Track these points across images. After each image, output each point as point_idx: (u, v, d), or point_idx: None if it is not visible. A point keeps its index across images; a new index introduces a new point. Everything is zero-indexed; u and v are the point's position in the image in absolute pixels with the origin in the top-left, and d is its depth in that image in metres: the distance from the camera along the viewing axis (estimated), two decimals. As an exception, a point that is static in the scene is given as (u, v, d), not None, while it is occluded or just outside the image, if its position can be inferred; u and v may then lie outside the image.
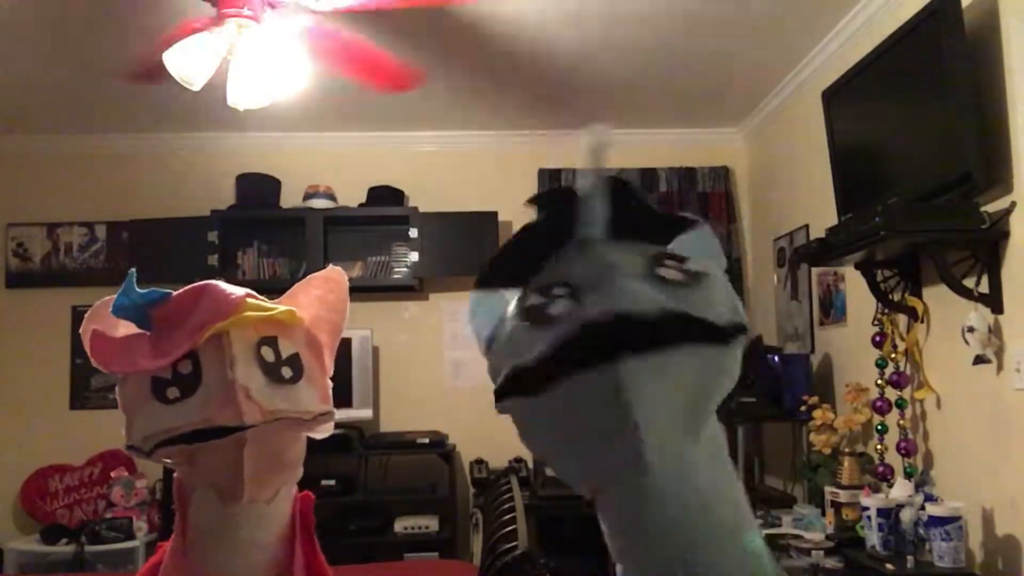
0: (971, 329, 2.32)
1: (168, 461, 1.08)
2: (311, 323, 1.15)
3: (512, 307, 0.80)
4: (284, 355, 1.06)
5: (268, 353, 1.04)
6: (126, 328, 1.07)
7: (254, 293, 1.09)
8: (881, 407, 2.76)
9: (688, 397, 0.71)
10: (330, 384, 1.15)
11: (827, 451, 3.00)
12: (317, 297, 1.18)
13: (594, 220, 0.78)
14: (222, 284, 1.08)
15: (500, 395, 0.79)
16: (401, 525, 3.87)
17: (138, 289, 1.04)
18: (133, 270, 1.05)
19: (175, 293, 1.05)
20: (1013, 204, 2.25)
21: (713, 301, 0.75)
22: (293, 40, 2.62)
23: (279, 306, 1.09)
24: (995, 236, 2.29)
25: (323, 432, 1.11)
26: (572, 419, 0.72)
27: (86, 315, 1.09)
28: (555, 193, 0.81)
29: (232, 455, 0.99)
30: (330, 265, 1.21)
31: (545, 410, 0.74)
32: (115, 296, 1.04)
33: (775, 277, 4.13)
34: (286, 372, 1.05)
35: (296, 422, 1.04)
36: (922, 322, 2.70)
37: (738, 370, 0.76)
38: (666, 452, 0.68)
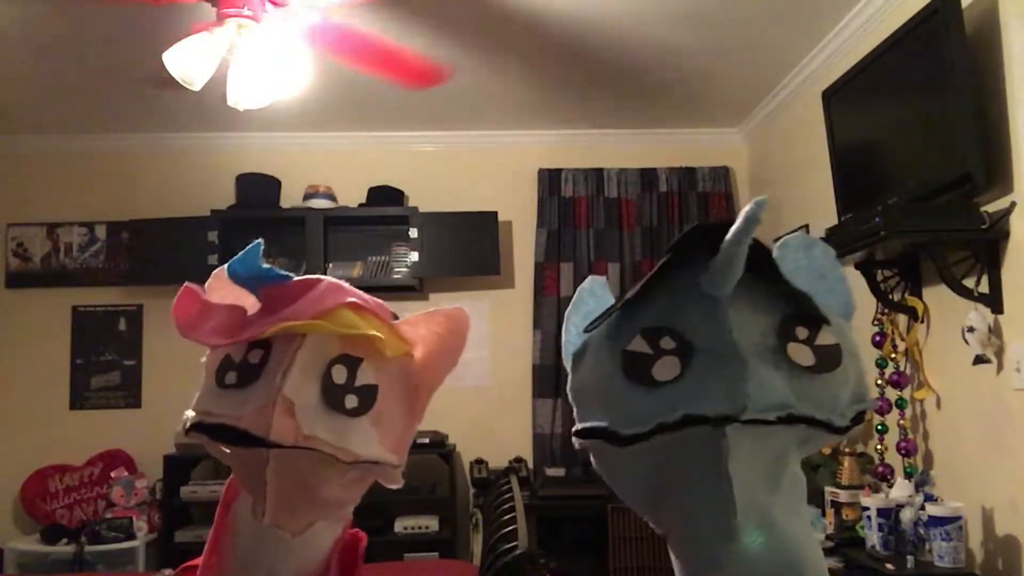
0: (971, 329, 2.32)
1: (215, 448, 0.96)
2: (421, 360, 1.00)
3: (606, 333, 0.78)
4: (358, 382, 0.91)
5: (340, 374, 0.90)
6: (246, 298, 0.98)
7: (382, 305, 0.98)
8: (881, 407, 2.76)
9: (778, 455, 0.71)
10: (410, 433, 1.01)
11: (827, 451, 3.00)
12: (437, 335, 1.02)
13: (726, 280, 0.71)
14: (347, 286, 0.96)
15: (585, 435, 0.77)
16: (401, 525, 3.87)
17: (262, 264, 0.94)
18: (259, 242, 0.95)
19: (294, 279, 0.95)
20: (1013, 204, 2.25)
21: (839, 388, 0.73)
22: (294, 40, 2.62)
23: (370, 330, 0.93)
24: (995, 236, 2.29)
25: (388, 482, 0.96)
26: (662, 470, 0.72)
27: (214, 272, 1.00)
28: (698, 233, 0.75)
29: (257, 469, 0.88)
30: (459, 306, 1.03)
31: (634, 459, 0.73)
32: (230, 262, 0.95)
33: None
34: (349, 401, 0.90)
35: (331, 459, 0.88)
36: (922, 322, 2.70)
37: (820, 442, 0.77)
38: (751, 512, 0.68)
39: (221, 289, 0.98)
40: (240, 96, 2.54)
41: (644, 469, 0.73)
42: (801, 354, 0.72)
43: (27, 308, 4.40)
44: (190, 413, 0.93)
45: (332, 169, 4.49)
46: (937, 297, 2.61)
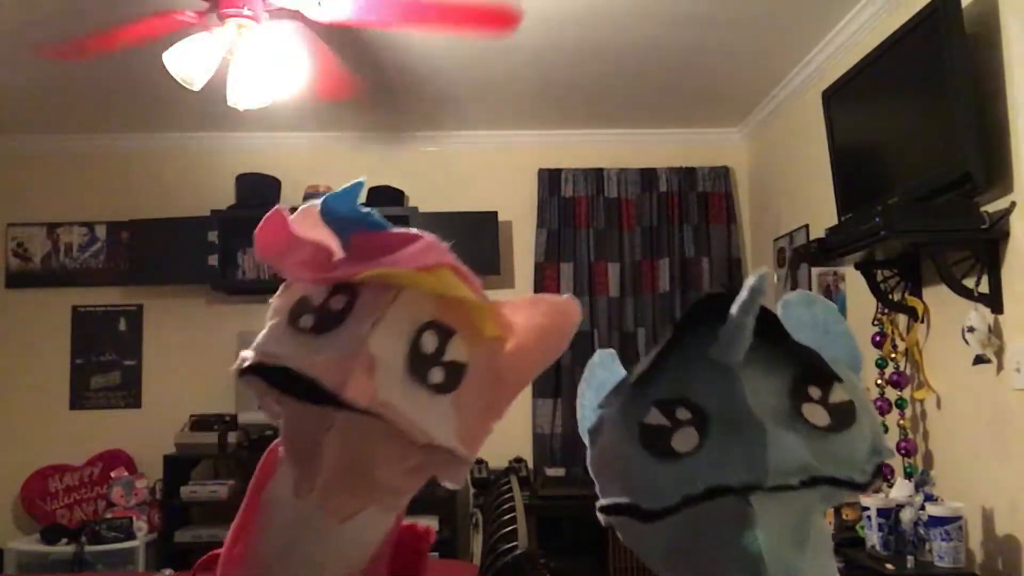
0: (971, 329, 2.32)
1: (257, 397, 0.83)
2: (513, 352, 0.85)
3: (620, 407, 0.78)
4: (448, 357, 0.79)
5: (430, 341, 0.78)
6: (330, 241, 0.86)
7: (475, 281, 0.84)
8: (881, 407, 2.76)
9: (804, 515, 0.72)
10: (485, 431, 0.87)
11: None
12: (539, 327, 0.87)
13: (736, 349, 0.71)
14: (448, 249, 0.84)
15: (610, 511, 0.77)
16: (401, 525, 3.86)
17: (361, 207, 0.83)
18: (363, 180, 0.84)
19: (393, 229, 0.84)
20: (1013, 204, 2.25)
21: (856, 444, 0.73)
22: (294, 40, 2.62)
23: (475, 297, 0.82)
24: (995, 236, 2.29)
25: (451, 479, 0.82)
26: (689, 538, 0.72)
27: (301, 207, 0.87)
28: (705, 303, 0.75)
29: (314, 433, 0.77)
30: (568, 295, 0.89)
31: (659, 531, 0.73)
32: (328, 196, 0.83)
33: (775, 277, 4.13)
34: (435, 375, 0.78)
35: (401, 435, 0.75)
36: (922, 322, 2.70)
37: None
38: (780, 574, 0.68)
39: (308, 226, 0.86)
40: (240, 96, 2.54)
41: (670, 538, 0.73)
42: (816, 414, 0.73)
43: (27, 308, 4.40)
44: (247, 353, 0.79)
45: (332, 169, 4.49)
46: (937, 297, 2.61)
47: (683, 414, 0.73)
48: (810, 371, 0.75)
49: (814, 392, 0.74)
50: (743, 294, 0.69)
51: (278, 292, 0.85)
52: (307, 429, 0.78)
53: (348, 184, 0.82)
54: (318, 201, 0.84)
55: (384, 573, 0.88)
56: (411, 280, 0.78)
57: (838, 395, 0.74)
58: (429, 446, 0.77)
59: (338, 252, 0.84)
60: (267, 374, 0.77)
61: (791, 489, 0.68)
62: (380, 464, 0.79)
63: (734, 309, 0.69)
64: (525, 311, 0.87)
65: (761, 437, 0.68)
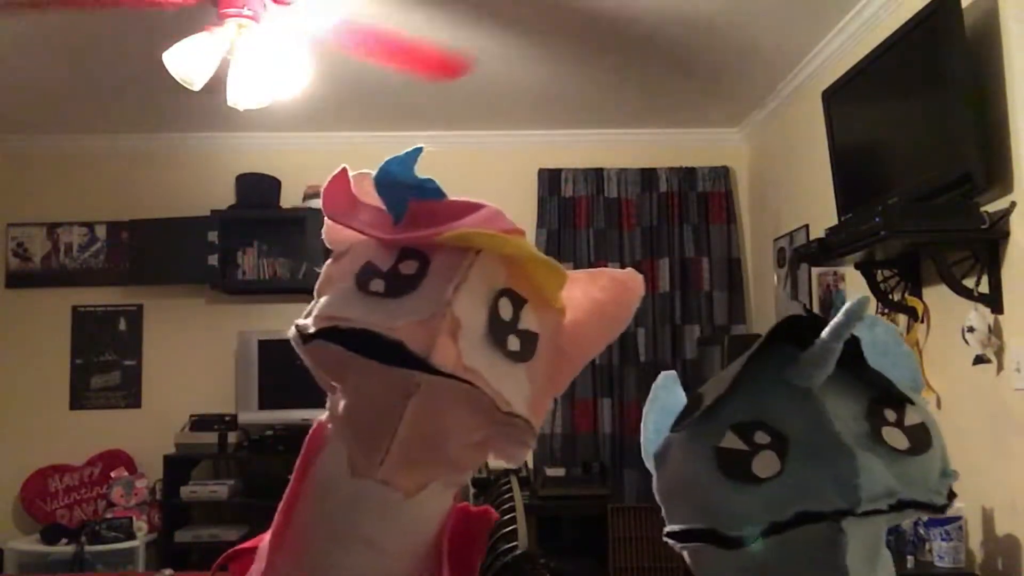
0: (971, 329, 2.32)
1: (318, 366, 0.79)
2: (571, 326, 0.84)
3: (691, 430, 0.77)
4: (522, 325, 0.77)
5: (506, 309, 0.76)
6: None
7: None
8: (881, 407, 2.76)
9: (878, 537, 0.73)
10: (547, 402, 0.83)
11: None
12: (597, 302, 0.85)
13: (820, 372, 0.72)
14: (501, 214, 0.82)
15: (684, 538, 0.76)
16: (401, 525, 3.86)
17: (417, 174, 0.80)
18: (421, 147, 0.82)
19: (452, 198, 0.82)
20: (1013, 204, 2.25)
21: (931, 467, 0.74)
22: (295, 39, 2.62)
23: (558, 265, 0.80)
24: (995, 236, 2.29)
25: (513, 455, 0.78)
26: (771, 566, 0.71)
27: (354, 176, 0.87)
28: (787, 325, 0.76)
29: (389, 398, 0.71)
30: (630, 269, 0.87)
31: (740, 559, 0.71)
32: (386, 161, 0.80)
33: (775, 277, 4.13)
34: (512, 343, 0.75)
35: (482, 405, 0.72)
36: (922, 322, 2.70)
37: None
38: None
39: (363, 193, 0.84)
40: (240, 96, 2.54)
41: (753, 564, 0.72)
42: (896, 438, 0.73)
43: (27, 308, 4.40)
44: (308, 320, 0.75)
45: (332, 169, 4.41)
46: (937, 297, 2.61)
47: (762, 438, 0.71)
48: (883, 395, 0.75)
49: (890, 415, 0.74)
50: (840, 318, 0.69)
51: (330, 260, 0.82)
52: (382, 398, 0.72)
53: (408, 149, 0.79)
54: (374, 171, 0.82)
55: (443, 554, 0.83)
56: (495, 243, 0.75)
57: (912, 417, 0.75)
58: (505, 416, 0.73)
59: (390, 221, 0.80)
60: (342, 337, 0.72)
61: (881, 513, 0.68)
62: (457, 434, 0.75)
63: (827, 333, 0.69)
64: (583, 285, 0.85)
65: (851, 462, 0.68)
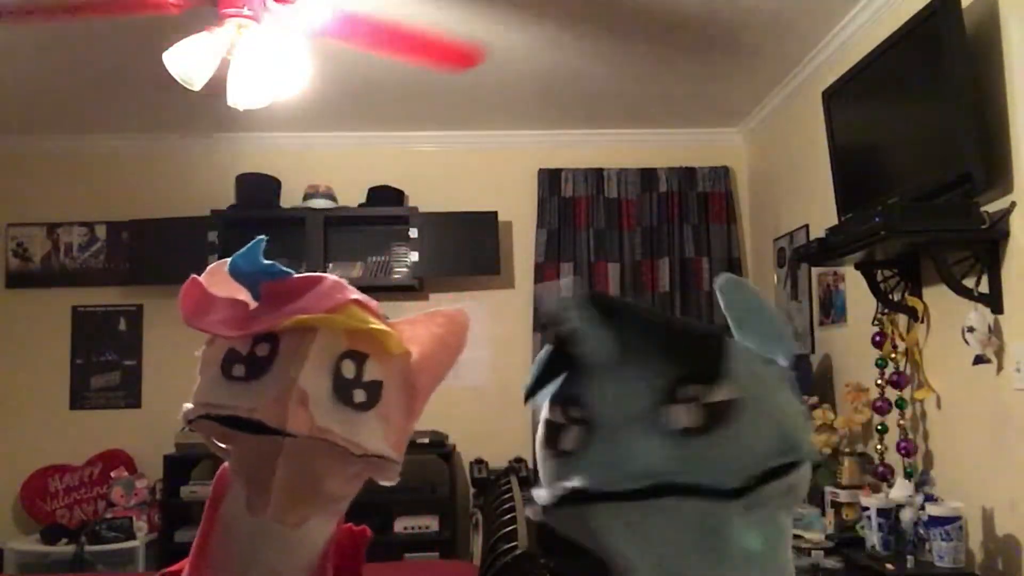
0: (971, 329, 2.32)
1: (211, 439, 0.99)
2: (418, 361, 1.01)
3: (547, 403, 0.79)
4: (366, 378, 0.93)
5: (348, 368, 0.92)
6: (240, 293, 0.99)
7: (376, 308, 0.99)
8: (881, 407, 2.76)
9: (709, 526, 0.69)
10: (407, 433, 1.02)
11: (827, 451, 3.00)
12: (437, 336, 1.03)
13: (592, 349, 0.70)
14: (348, 285, 0.98)
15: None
16: (401, 525, 3.87)
17: (263, 260, 0.96)
18: (263, 238, 0.97)
19: (296, 275, 0.98)
20: (1013, 204, 2.25)
21: (731, 447, 0.68)
22: (297, 38, 2.62)
23: (380, 325, 0.95)
24: (995, 236, 2.29)
25: (386, 478, 0.98)
26: (588, 536, 0.73)
27: (208, 267, 1.01)
28: (549, 319, 0.75)
29: (266, 459, 0.90)
30: (460, 307, 1.06)
31: (555, 524, 0.75)
32: (234, 256, 0.96)
33: (775, 277, 4.13)
34: (358, 396, 0.92)
35: (342, 452, 0.90)
36: (922, 322, 2.70)
37: (801, 490, 0.73)
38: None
39: (218, 283, 0.99)
40: (240, 96, 2.54)
41: (583, 534, 0.74)
42: (683, 416, 0.68)
43: (27, 308, 4.40)
44: (190, 405, 0.94)
45: (332, 169, 4.49)
46: (937, 297, 2.61)
47: (575, 413, 0.72)
48: (696, 369, 0.71)
49: (694, 391, 0.69)
50: (557, 311, 0.71)
51: (205, 344, 0.98)
52: (257, 456, 0.92)
53: (250, 243, 0.95)
54: (226, 261, 0.98)
55: (330, 570, 1.00)
56: (324, 322, 0.91)
57: (720, 394, 0.69)
58: (364, 456, 0.91)
59: (252, 303, 0.97)
60: (217, 421, 0.92)
61: (643, 497, 0.66)
62: (327, 477, 0.94)
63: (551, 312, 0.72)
64: (423, 325, 1.03)
65: (615, 442, 0.67)
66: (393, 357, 0.96)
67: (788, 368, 0.72)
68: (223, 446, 0.97)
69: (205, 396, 0.93)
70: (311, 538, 0.98)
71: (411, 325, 1.02)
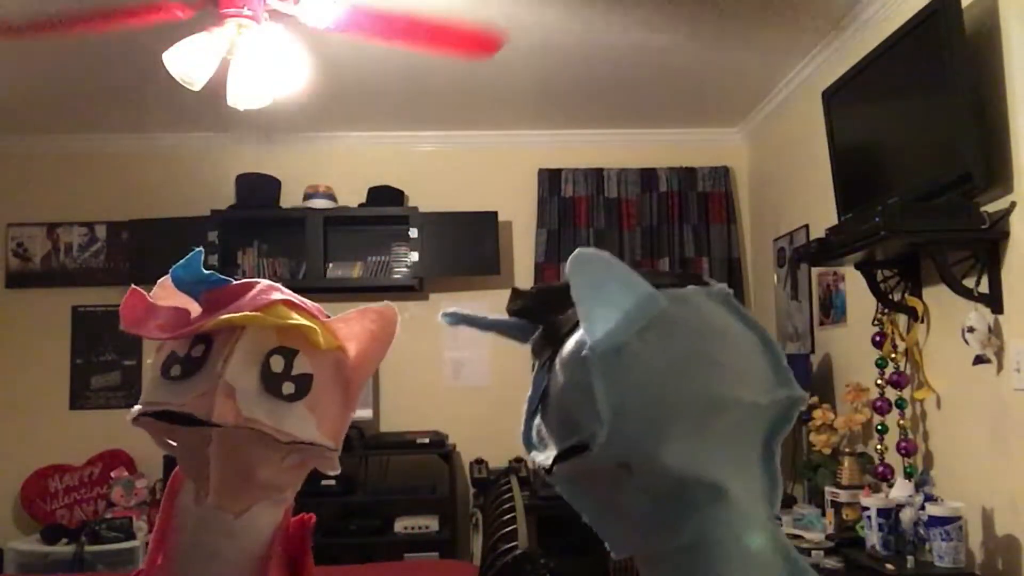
0: (971, 329, 2.32)
1: (158, 437, 1.07)
2: (353, 355, 1.08)
3: None
4: (295, 371, 1.00)
5: (277, 363, 0.99)
6: (189, 304, 1.06)
7: (318, 307, 1.07)
8: (881, 407, 2.76)
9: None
10: (345, 422, 1.08)
11: (827, 451, 3.00)
12: (370, 332, 1.10)
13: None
14: (282, 288, 1.05)
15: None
16: (401, 525, 3.87)
17: (203, 270, 1.03)
18: (200, 249, 1.04)
19: (233, 282, 1.05)
20: (1013, 204, 2.25)
21: (547, 429, 0.75)
22: (295, 39, 2.62)
23: (305, 321, 1.02)
24: (995, 236, 2.29)
25: (327, 467, 1.05)
26: None
27: (160, 281, 1.08)
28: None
29: (200, 450, 0.97)
30: (386, 302, 1.13)
31: None
32: (173, 268, 1.04)
33: (775, 277, 4.13)
34: (287, 388, 0.99)
35: (271, 440, 0.96)
36: (922, 322, 2.70)
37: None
38: None
39: (167, 297, 1.07)
40: (240, 96, 2.54)
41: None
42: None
43: (27, 308, 4.40)
44: (137, 406, 1.02)
45: (332, 169, 4.49)
46: (937, 297, 2.61)
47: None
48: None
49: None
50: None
51: (155, 352, 1.06)
52: (194, 447, 0.99)
53: (189, 255, 1.03)
54: (168, 274, 1.06)
55: (279, 557, 1.06)
56: (248, 320, 0.98)
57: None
58: (296, 444, 0.98)
59: (196, 309, 1.05)
60: (151, 416, 1.00)
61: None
62: (260, 465, 1.00)
63: None
64: (357, 322, 1.09)
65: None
66: (324, 352, 1.03)
67: (597, 348, 0.65)
68: (171, 442, 1.05)
69: (146, 396, 1.01)
70: (256, 526, 1.03)
71: (346, 323, 1.09)
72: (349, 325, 1.09)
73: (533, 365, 0.77)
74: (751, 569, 0.65)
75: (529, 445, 0.76)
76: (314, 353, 1.02)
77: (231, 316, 0.97)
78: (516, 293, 0.78)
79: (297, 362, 1.00)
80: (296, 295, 1.06)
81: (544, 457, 0.72)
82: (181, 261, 1.04)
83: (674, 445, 0.64)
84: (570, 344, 0.69)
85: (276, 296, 1.02)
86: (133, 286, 1.06)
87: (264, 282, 1.05)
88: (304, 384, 1.00)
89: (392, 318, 1.11)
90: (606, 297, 0.65)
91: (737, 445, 0.68)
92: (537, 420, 0.74)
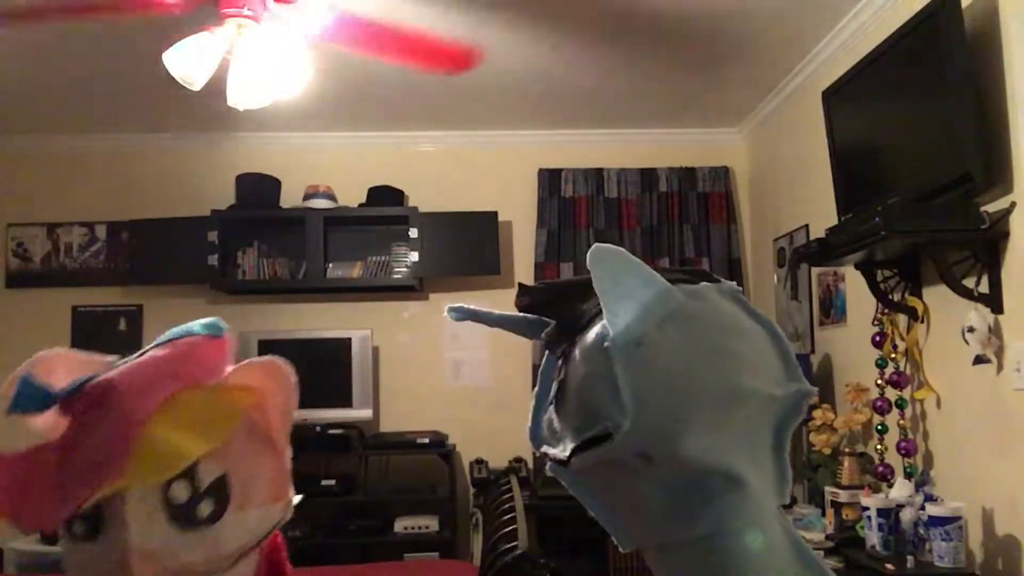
0: (971, 329, 2.32)
1: None
2: (260, 397, 0.93)
3: None
4: (204, 484, 0.86)
5: (180, 491, 0.85)
6: (88, 367, 0.93)
7: (213, 356, 0.93)
8: (881, 407, 2.76)
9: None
10: (285, 464, 0.96)
11: (827, 451, 3.00)
12: (261, 367, 0.96)
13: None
14: (147, 359, 0.91)
15: None
16: (401, 525, 3.87)
17: (39, 390, 0.92)
18: (27, 374, 0.93)
19: (86, 385, 0.90)
20: (1013, 204, 2.25)
21: (562, 423, 0.73)
22: (296, 39, 2.62)
23: (191, 448, 0.85)
24: (995, 236, 2.29)
25: (281, 522, 0.96)
26: None
27: (37, 358, 0.96)
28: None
29: None
30: (271, 358, 0.97)
31: None
32: (10, 400, 0.90)
33: (775, 277, 4.13)
34: (204, 509, 0.85)
35: (215, 566, 0.87)
36: (922, 322, 2.70)
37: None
38: None
39: (57, 372, 0.96)
40: (240, 96, 2.54)
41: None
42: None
43: (27, 308, 4.40)
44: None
45: (332, 169, 4.49)
46: (937, 297, 2.61)
47: None
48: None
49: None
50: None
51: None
52: None
53: (16, 389, 0.91)
54: (58, 350, 0.97)
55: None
56: (130, 483, 0.82)
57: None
58: (243, 554, 0.89)
59: (56, 425, 0.90)
60: None
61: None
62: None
63: None
64: (247, 365, 0.94)
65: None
66: (224, 439, 0.88)
67: (619, 339, 0.66)
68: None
69: (66, 561, 0.89)
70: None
71: (239, 371, 0.94)
72: (242, 372, 0.94)
73: (540, 360, 0.77)
74: (766, 558, 0.66)
75: (538, 440, 0.75)
76: (216, 450, 0.87)
77: (101, 493, 0.81)
78: (524, 289, 0.78)
79: (201, 472, 0.86)
80: (166, 350, 0.92)
81: (560, 450, 0.71)
82: (15, 394, 0.90)
83: (695, 436, 0.65)
84: (590, 336, 0.70)
85: (145, 408, 0.85)
86: None
87: (120, 380, 0.90)
88: (221, 491, 0.87)
89: (284, 366, 0.95)
90: (626, 290, 0.67)
91: (752, 436, 0.69)
92: (548, 414, 0.74)
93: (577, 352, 0.71)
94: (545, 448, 0.75)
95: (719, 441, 0.66)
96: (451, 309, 0.81)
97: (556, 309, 0.76)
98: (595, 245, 0.68)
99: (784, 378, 0.70)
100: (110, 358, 0.96)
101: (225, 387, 0.92)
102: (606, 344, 0.66)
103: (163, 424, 0.84)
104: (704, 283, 0.73)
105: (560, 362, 0.73)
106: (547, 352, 0.77)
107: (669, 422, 0.65)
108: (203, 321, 0.95)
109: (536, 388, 0.76)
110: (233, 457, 0.89)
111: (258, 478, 0.92)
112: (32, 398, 0.90)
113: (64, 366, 0.96)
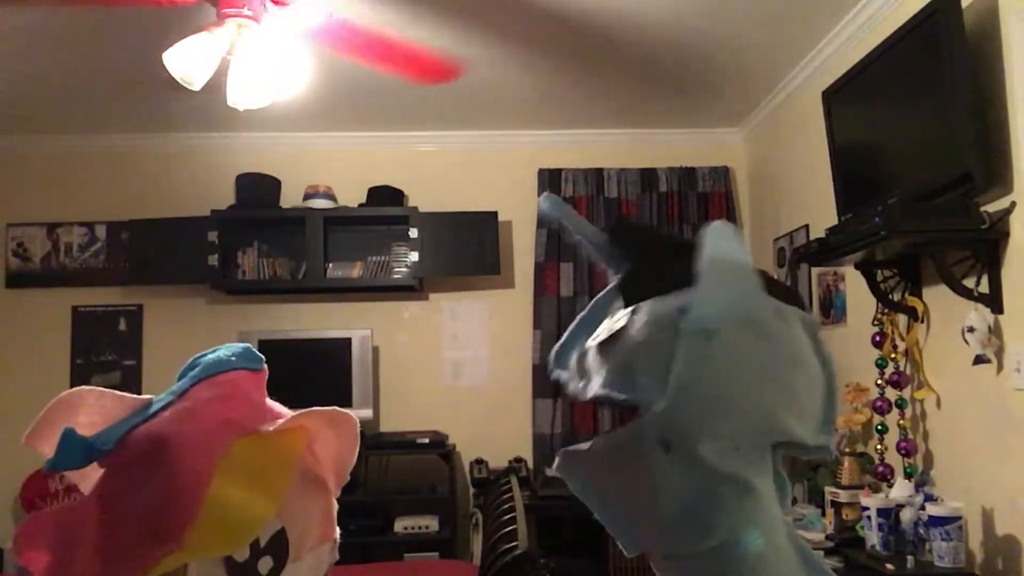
0: (971, 329, 2.32)
1: None
2: (310, 436, 0.91)
3: None
4: (264, 540, 0.84)
5: (242, 551, 0.83)
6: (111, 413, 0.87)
7: (258, 402, 0.90)
8: (881, 407, 2.76)
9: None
10: (332, 501, 0.94)
11: (827, 451, 2.99)
12: (322, 415, 0.93)
13: None
14: (189, 446, 0.80)
15: None
16: (401, 525, 3.87)
17: (79, 450, 0.81)
18: (71, 427, 0.81)
19: (131, 440, 0.83)
20: (1013, 204, 2.25)
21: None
22: (294, 39, 2.62)
23: (261, 510, 0.82)
24: (995, 236, 2.29)
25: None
26: None
27: (61, 401, 0.86)
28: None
29: None
30: (334, 409, 0.95)
31: None
32: (51, 458, 0.81)
33: (775, 277, 4.13)
34: (263, 567, 0.83)
35: None
36: (922, 322, 2.70)
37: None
38: None
39: (87, 414, 0.88)
40: (240, 96, 2.54)
41: None
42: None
43: (27, 308, 4.40)
44: None
45: (332, 169, 4.49)
46: (937, 297, 2.61)
47: None
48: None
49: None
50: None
51: None
52: None
53: (60, 442, 0.79)
54: (76, 389, 0.86)
55: None
56: (197, 551, 0.77)
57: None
58: None
59: (87, 476, 0.86)
60: None
61: None
62: None
63: None
64: (305, 413, 0.90)
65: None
66: (292, 468, 0.86)
67: (697, 324, 0.66)
68: None
69: None
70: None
71: (300, 419, 0.90)
72: (300, 418, 0.90)
73: (603, 290, 0.75)
74: (774, 566, 0.66)
75: (561, 363, 0.72)
76: (277, 485, 0.85)
77: (165, 564, 0.76)
78: (624, 222, 0.78)
79: (261, 530, 0.84)
80: (226, 390, 0.88)
81: (582, 386, 0.70)
82: (57, 450, 0.79)
83: (716, 443, 0.65)
84: (668, 303, 0.68)
85: (206, 467, 0.79)
86: (30, 522, 0.83)
87: (173, 434, 0.82)
88: (279, 546, 0.84)
89: (351, 420, 0.94)
90: (725, 278, 0.68)
91: (764, 450, 0.70)
92: (590, 352, 0.71)
93: (646, 310, 0.69)
94: (565, 378, 0.73)
95: (736, 452, 0.66)
96: (547, 197, 0.78)
97: (649, 257, 0.74)
98: (716, 221, 0.68)
99: (819, 428, 0.71)
100: (144, 397, 0.89)
101: (279, 432, 0.87)
102: (681, 324, 0.66)
103: (227, 486, 0.79)
104: (792, 307, 0.73)
105: (622, 306, 0.71)
106: (614, 289, 0.75)
107: (699, 421, 0.65)
108: (236, 349, 0.91)
109: (583, 313, 0.74)
110: (290, 512, 0.86)
111: (311, 526, 0.90)
112: (76, 454, 0.80)
113: (90, 406, 0.88)
